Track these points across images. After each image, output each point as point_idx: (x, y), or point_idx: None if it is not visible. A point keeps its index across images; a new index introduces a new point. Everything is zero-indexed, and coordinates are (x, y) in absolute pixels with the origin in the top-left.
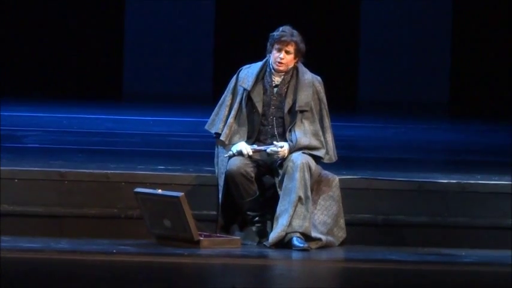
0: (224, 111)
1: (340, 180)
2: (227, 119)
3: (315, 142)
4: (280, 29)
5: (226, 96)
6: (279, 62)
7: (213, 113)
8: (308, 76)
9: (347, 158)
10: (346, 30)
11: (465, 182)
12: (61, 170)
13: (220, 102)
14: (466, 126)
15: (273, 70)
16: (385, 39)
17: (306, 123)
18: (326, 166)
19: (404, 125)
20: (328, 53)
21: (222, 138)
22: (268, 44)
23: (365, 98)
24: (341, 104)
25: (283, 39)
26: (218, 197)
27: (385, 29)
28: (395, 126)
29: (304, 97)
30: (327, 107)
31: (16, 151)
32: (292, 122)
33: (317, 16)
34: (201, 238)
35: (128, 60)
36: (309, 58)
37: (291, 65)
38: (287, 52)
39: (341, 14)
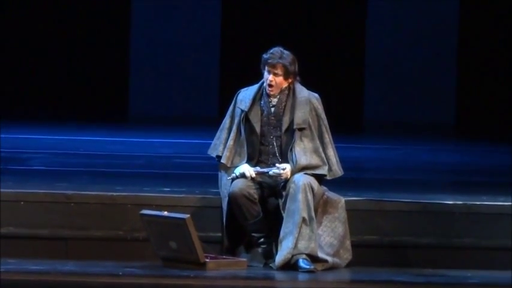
0: (224, 134)
1: (345, 201)
2: (227, 141)
3: (315, 160)
4: (270, 50)
5: (226, 120)
6: (269, 85)
7: (214, 138)
8: (304, 94)
9: (353, 179)
10: (352, 51)
11: (471, 203)
12: (67, 192)
13: (221, 127)
14: (472, 147)
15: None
16: (391, 60)
17: (306, 141)
18: (332, 187)
19: (409, 146)
20: (333, 74)
21: (223, 161)
22: (261, 66)
23: (370, 118)
24: (346, 124)
25: (269, 61)
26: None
27: (390, 49)
28: (400, 147)
29: (302, 115)
30: (326, 122)
31: (21, 173)
32: (291, 141)
33: (322, 36)
34: (207, 260)
35: (133, 82)
36: (313, 78)
37: (284, 85)
38: (275, 74)
39: (346, 35)
